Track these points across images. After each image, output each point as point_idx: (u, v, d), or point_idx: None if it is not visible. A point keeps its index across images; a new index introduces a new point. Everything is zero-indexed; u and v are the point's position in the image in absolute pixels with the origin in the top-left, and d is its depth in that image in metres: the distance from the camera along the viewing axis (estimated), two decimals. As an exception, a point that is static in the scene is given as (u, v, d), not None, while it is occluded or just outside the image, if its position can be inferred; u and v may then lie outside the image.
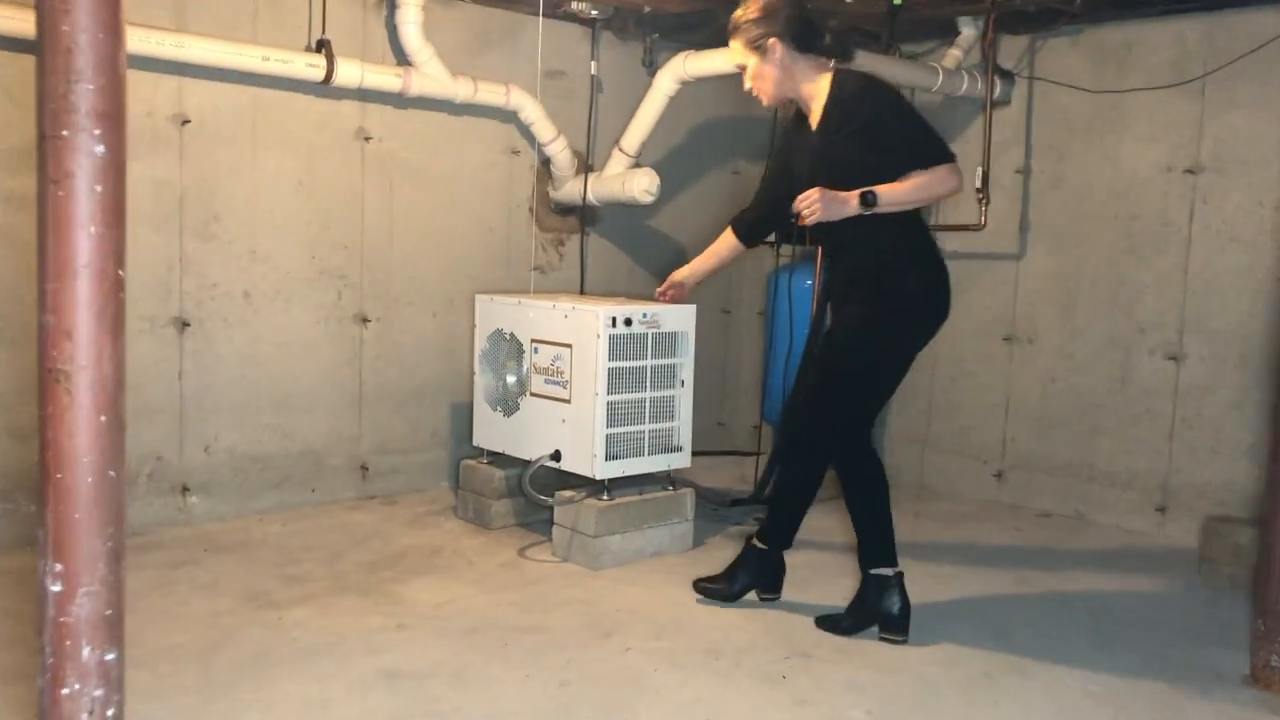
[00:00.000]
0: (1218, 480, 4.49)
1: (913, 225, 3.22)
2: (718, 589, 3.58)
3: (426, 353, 4.92)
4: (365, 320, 4.71)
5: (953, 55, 4.96)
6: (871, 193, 3.04)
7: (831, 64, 3.25)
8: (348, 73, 4.33)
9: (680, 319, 4.10)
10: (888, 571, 3.32)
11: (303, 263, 4.52)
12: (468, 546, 4.14)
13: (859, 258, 3.23)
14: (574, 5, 4.88)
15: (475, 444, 4.52)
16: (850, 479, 3.38)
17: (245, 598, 3.50)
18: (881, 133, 3.10)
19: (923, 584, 3.82)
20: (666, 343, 4.10)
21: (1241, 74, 4.39)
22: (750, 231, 3.57)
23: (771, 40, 3.17)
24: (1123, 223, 4.76)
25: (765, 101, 3.31)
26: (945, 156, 3.10)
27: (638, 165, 5.08)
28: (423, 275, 4.88)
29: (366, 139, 4.64)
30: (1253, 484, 4.35)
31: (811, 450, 3.40)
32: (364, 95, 4.57)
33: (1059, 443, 4.99)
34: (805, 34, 3.20)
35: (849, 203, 3.05)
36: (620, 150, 5.06)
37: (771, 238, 5.12)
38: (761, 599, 3.59)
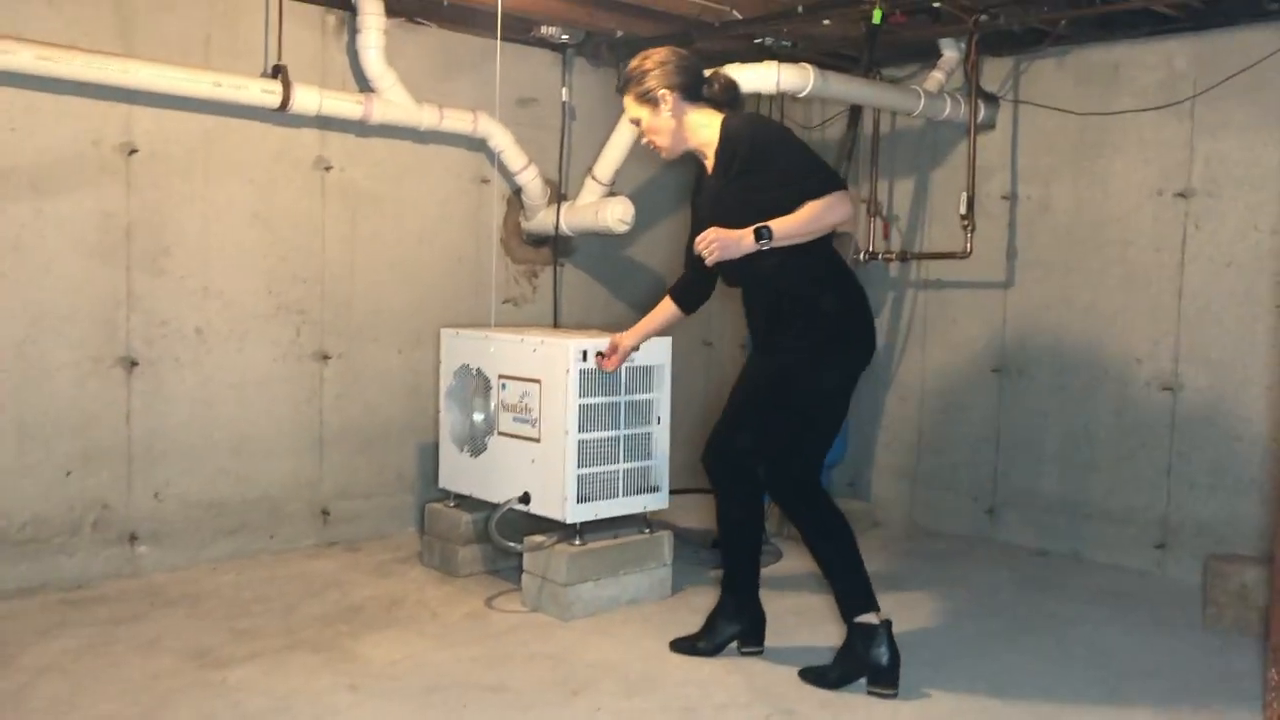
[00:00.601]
0: (1219, 516, 4.30)
1: (821, 255, 3.16)
2: (699, 647, 3.38)
3: (391, 390, 4.70)
4: (326, 357, 4.50)
5: (935, 78, 4.81)
6: (765, 228, 3.01)
7: (722, 112, 3.24)
8: (305, 99, 4.15)
9: (656, 352, 3.91)
10: (873, 619, 3.11)
11: (259, 298, 4.31)
12: (432, 596, 3.91)
13: (771, 293, 3.18)
14: (544, 30, 4.73)
15: (441, 486, 4.30)
16: (806, 528, 3.21)
17: (189, 656, 3.26)
18: (770, 168, 3.09)
19: (913, 630, 3.61)
20: (641, 377, 3.90)
21: (1232, 94, 4.24)
22: (687, 298, 3.47)
23: (663, 92, 3.17)
24: (1114, 249, 4.59)
25: (663, 155, 3.31)
26: (835, 184, 3.07)
27: (612, 193, 4.90)
28: (387, 309, 4.68)
29: (327, 168, 4.45)
30: (1256, 520, 4.16)
31: (739, 487, 3.32)
32: (324, 123, 4.39)
33: (1053, 478, 4.79)
34: (694, 84, 3.21)
35: (744, 240, 3.02)
36: (594, 178, 4.89)
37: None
38: (743, 652, 3.38)
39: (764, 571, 3.55)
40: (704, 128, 3.21)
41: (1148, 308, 4.50)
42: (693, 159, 3.34)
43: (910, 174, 5.27)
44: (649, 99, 3.20)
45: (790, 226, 3.02)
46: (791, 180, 3.07)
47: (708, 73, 3.31)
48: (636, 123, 3.28)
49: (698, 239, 3.10)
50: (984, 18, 4.33)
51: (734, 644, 3.40)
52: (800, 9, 4.24)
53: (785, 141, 3.16)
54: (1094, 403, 4.65)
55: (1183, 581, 4.30)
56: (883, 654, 3.09)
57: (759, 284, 3.20)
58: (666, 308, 3.47)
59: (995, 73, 4.92)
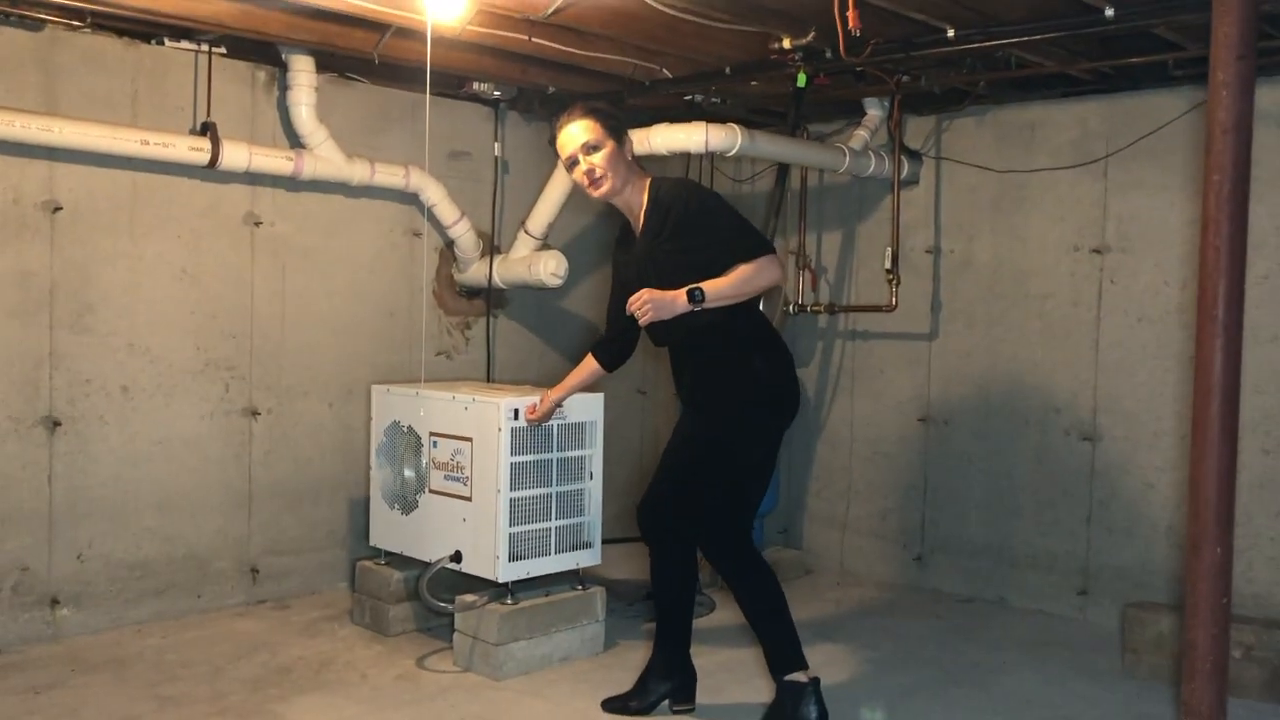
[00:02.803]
0: (1136, 562, 4.42)
1: (750, 315, 3.26)
2: (630, 706, 3.39)
3: (322, 446, 4.67)
4: (255, 413, 4.46)
5: (859, 136, 4.94)
6: (698, 289, 3.08)
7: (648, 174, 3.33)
8: (234, 156, 4.14)
9: (588, 408, 3.94)
10: (802, 678, 3.16)
11: (187, 354, 4.26)
12: (362, 656, 3.87)
13: (701, 354, 3.25)
14: (476, 86, 4.77)
15: (372, 544, 4.27)
16: (737, 585, 3.26)
17: (110, 727, 3.20)
18: (701, 231, 3.16)
19: (841, 682, 3.66)
20: (574, 434, 3.92)
21: (1142, 155, 4.42)
22: (610, 357, 3.52)
23: (626, 133, 3.27)
24: (1034, 302, 4.74)
25: (605, 191, 3.23)
26: (765, 249, 3.16)
27: (545, 247, 4.94)
28: (318, 364, 4.65)
29: (256, 223, 4.43)
30: (1171, 566, 4.29)
31: (672, 545, 3.34)
32: (253, 178, 4.37)
33: (978, 525, 4.90)
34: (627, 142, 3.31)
35: (677, 301, 3.09)
36: (527, 232, 4.93)
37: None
38: (674, 710, 3.40)
39: (697, 623, 3.59)
40: (636, 186, 3.27)
41: (1066, 359, 4.63)
42: (618, 216, 3.39)
43: (838, 227, 5.39)
44: (617, 133, 3.22)
45: (722, 288, 3.09)
46: (723, 244, 3.14)
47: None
48: (589, 148, 3.20)
49: (631, 299, 3.14)
50: (905, 78, 4.46)
51: (666, 702, 3.41)
52: (728, 70, 4.33)
53: (716, 207, 3.22)
54: (1017, 451, 4.77)
55: (1104, 627, 4.41)
56: (811, 712, 3.14)
57: (688, 344, 3.25)
58: (589, 365, 3.51)
59: (918, 130, 5.06)
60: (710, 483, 3.24)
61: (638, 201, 3.27)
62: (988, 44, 3.77)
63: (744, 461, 3.25)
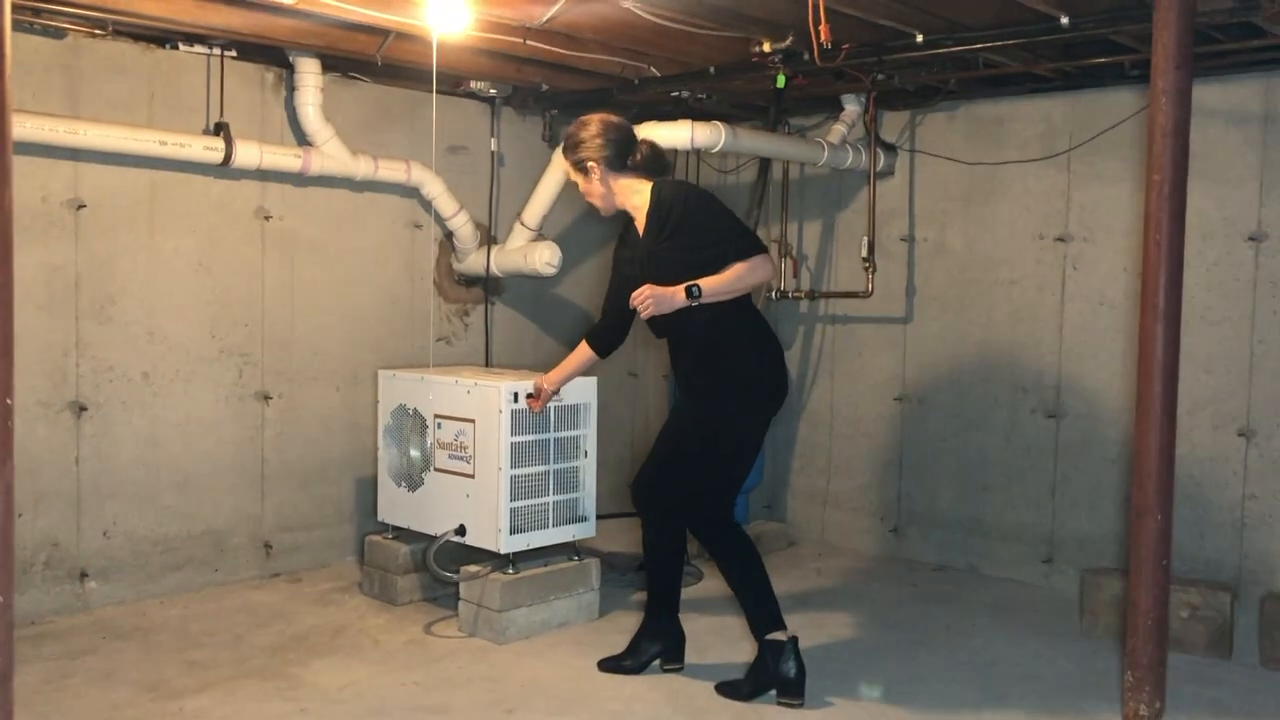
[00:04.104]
0: (1097, 532, 4.72)
1: (743, 310, 3.51)
2: (624, 665, 3.68)
3: (330, 428, 4.93)
4: (267, 397, 4.72)
5: (837, 130, 5.19)
6: (696, 285, 3.35)
7: (650, 178, 3.57)
8: (246, 154, 4.38)
9: (582, 391, 4.20)
10: (781, 637, 3.44)
11: (203, 342, 4.52)
12: (373, 624, 4.15)
13: (698, 345, 3.50)
14: (473, 85, 5.00)
15: (380, 519, 4.54)
16: (721, 557, 3.55)
17: (144, 688, 3.46)
18: (698, 231, 3.43)
19: (820, 644, 3.95)
20: (569, 415, 4.19)
21: (1102, 149, 4.68)
22: (603, 344, 3.79)
23: (591, 164, 3.53)
24: (1002, 287, 5.01)
25: (599, 208, 3.65)
26: (758, 248, 3.43)
27: (540, 237, 5.19)
28: (325, 351, 4.91)
29: (267, 217, 4.68)
30: (1128, 534, 4.58)
31: (664, 520, 3.62)
32: (264, 175, 4.61)
33: (950, 498, 5.19)
34: (621, 155, 3.54)
35: (676, 296, 3.36)
36: (522, 224, 5.17)
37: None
38: (664, 669, 3.69)
39: (685, 592, 3.87)
40: (634, 193, 3.56)
41: (1033, 341, 4.92)
42: (624, 215, 3.67)
43: (818, 217, 5.66)
44: (580, 167, 3.56)
45: (718, 285, 3.36)
46: (719, 243, 3.41)
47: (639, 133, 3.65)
48: (576, 181, 3.63)
49: (634, 294, 3.41)
50: (880, 77, 4.71)
51: (657, 662, 3.70)
52: (712, 70, 4.58)
53: (713, 209, 3.50)
54: (987, 428, 5.06)
55: (1066, 592, 4.71)
56: (790, 668, 3.42)
57: (686, 336, 3.51)
58: (584, 352, 3.78)
59: (893, 125, 5.32)
60: (699, 464, 3.51)
61: (640, 203, 3.55)
62: (955, 49, 4.03)
63: (732, 445, 3.52)
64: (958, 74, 4.62)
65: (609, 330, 3.75)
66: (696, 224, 3.42)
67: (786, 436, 5.78)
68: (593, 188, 3.57)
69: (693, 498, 3.54)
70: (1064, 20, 3.69)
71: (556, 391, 3.95)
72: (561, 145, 3.67)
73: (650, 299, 3.36)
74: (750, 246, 3.42)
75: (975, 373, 5.10)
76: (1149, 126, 3.09)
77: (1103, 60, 4.28)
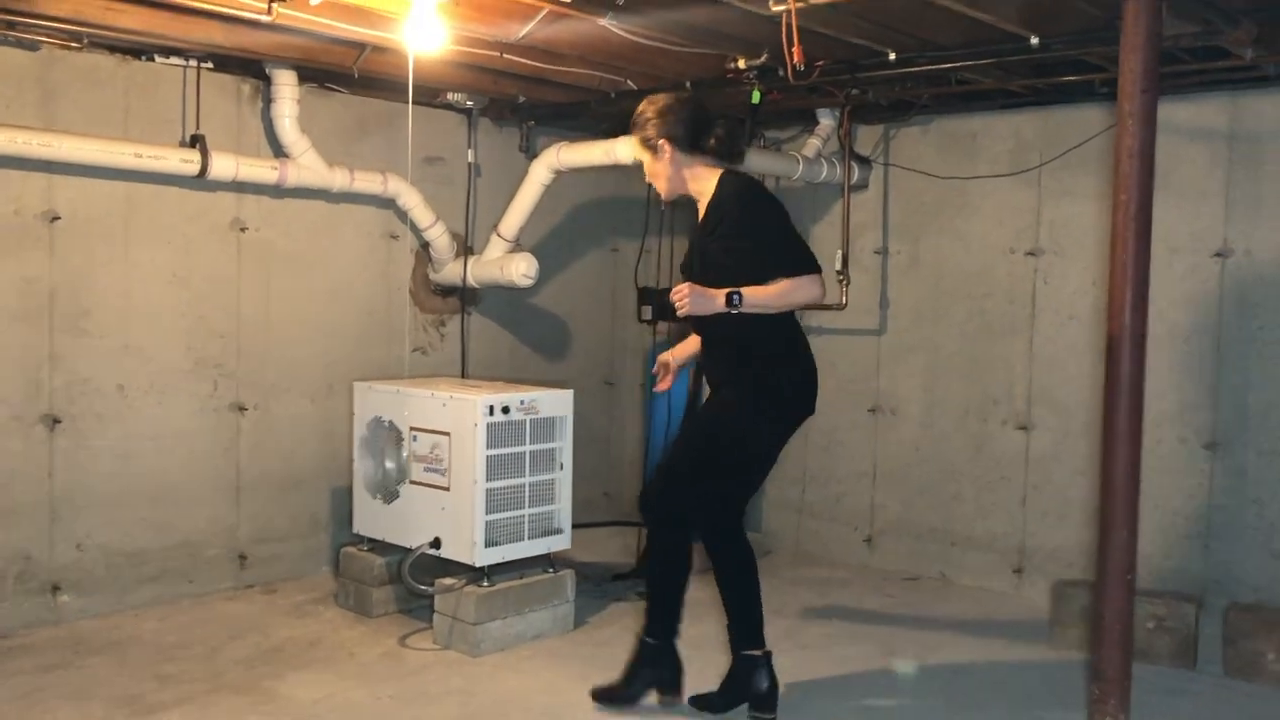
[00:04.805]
0: (1067, 543, 4.79)
1: (784, 324, 3.39)
2: (618, 694, 3.53)
3: (305, 439, 4.93)
4: (242, 409, 4.71)
5: (812, 144, 5.24)
6: (737, 293, 3.23)
7: (720, 165, 3.41)
8: (222, 166, 4.38)
9: (557, 404, 4.22)
10: (756, 652, 3.45)
11: (178, 354, 4.51)
12: (348, 637, 4.15)
13: (731, 351, 3.40)
14: (450, 96, 5.01)
15: (355, 531, 4.54)
16: (721, 564, 3.50)
17: (118, 703, 3.45)
18: (748, 235, 3.30)
19: (793, 656, 3.98)
20: (545, 428, 4.21)
21: (1072, 165, 4.75)
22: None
23: (662, 141, 3.37)
24: (975, 301, 5.07)
25: (660, 191, 3.51)
26: (811, 267, 3.29)
27: (517, 249, 5.21)
28: (301, 361, 4.91)
29: (243, 229, 4.68)
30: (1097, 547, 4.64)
31: (674, 526, 3.50)
32: (240, 187, 4.61)
33: (923, 508, 5.24)
34: (695, 136, 3.37)
35: (716, 300, 3.25)
36: (499, 235, 5.19)
37: (648, 315, 5.33)
38: (661, 701, 3.54)
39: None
40: (700, 179, 3.39)
41: (1004, 354, 4.98)
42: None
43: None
44: (648, 145, 3.40)
45: (761, 297, 3.24)
46: (771, 253, 3.27)
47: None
48: (642, 159, 3.47)
49: (674, 290, 3.29)
50: (854, 92, 4.76)
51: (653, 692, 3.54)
52: (688, 85, 4.61)
53: (769, 216, 3.33)
54: (958, 439, 5.12)
55: (1036, 602, 4.76)
56: (763, 682, 3.43)
57: (722, 340, 3.39)
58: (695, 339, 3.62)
59: (867, 138, 5.38)
60: (718, 476, 3.41)
61: (703, 190, 3.40)
62: (926, 67, 4.08)
63: (753, 454, 3.44)
64: (931, 90, 4.68)
65: None
66: (751, 228, 3.28)
67: (762, 446, 5.81)
68: (659, 168, 3.40)
69: (707, 502, 3.44)
70: (1034, 40, 3.74)
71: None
72: (631, 123, 3.46)
73: (688, 298, 3.25)
74: (802, 263, 3.27)
75: (947, 384, 5.16)
76: (1115, 148, 3.15)
77: (1073, 78, 4.34)
